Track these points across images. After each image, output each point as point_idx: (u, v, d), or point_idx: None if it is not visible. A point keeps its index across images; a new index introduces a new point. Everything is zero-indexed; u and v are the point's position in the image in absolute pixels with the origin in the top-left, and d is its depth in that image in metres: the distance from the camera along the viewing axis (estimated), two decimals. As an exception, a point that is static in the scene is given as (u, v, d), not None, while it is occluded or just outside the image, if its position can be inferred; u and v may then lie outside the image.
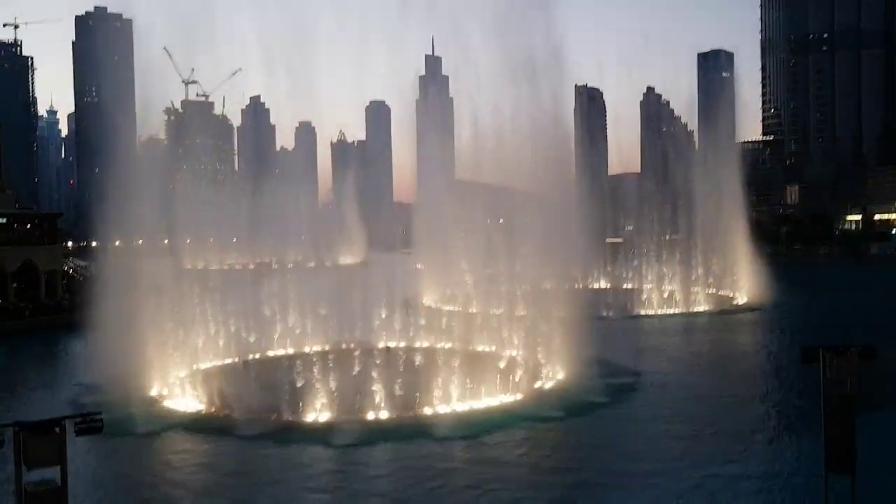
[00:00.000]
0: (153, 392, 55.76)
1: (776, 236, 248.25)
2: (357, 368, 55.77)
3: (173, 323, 60.45)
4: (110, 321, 56.54)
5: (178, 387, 55.97)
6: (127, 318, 56.49)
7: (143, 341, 56.56)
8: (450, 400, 50.47)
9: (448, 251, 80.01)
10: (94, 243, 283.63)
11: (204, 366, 62.63)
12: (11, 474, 18.02)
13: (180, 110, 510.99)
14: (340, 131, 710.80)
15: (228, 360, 64.22)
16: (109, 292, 58.66)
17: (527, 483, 37.97)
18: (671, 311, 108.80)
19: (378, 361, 54.85)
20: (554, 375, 57.63)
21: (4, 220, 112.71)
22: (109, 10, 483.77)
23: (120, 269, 60.40)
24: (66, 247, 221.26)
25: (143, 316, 57.18)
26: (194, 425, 48.62)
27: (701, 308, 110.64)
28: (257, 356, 68.28)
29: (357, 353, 59.63)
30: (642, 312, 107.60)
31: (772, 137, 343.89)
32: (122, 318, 56.54)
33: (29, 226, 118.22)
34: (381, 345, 69.92)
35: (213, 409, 51.68)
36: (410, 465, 40.22)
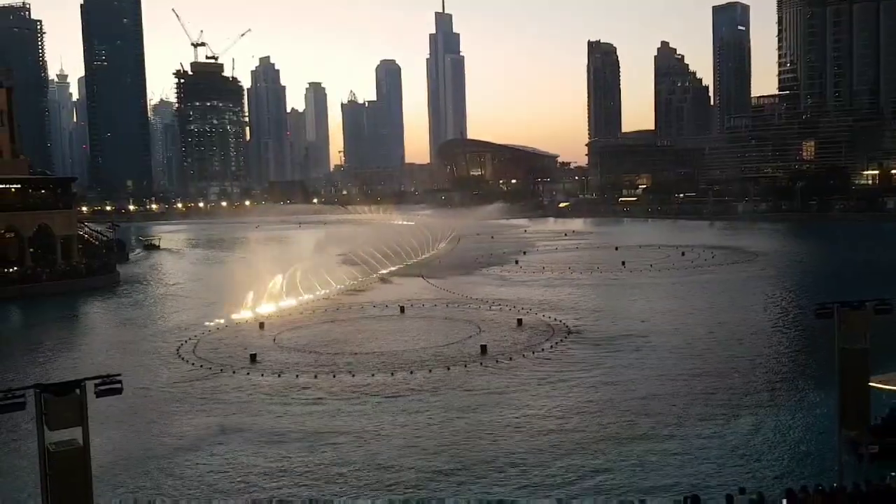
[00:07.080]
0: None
1: (792, 192, 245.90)
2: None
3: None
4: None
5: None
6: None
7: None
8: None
9: None
10: (108, 207, 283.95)
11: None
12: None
13: (190, 72, 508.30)
14: (351, 91, 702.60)
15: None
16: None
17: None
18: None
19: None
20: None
21: (19, 186, 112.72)
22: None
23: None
24: (81, 211, 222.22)
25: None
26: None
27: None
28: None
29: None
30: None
31: (788, 92, 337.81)
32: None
33: (43, 191, 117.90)
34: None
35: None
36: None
